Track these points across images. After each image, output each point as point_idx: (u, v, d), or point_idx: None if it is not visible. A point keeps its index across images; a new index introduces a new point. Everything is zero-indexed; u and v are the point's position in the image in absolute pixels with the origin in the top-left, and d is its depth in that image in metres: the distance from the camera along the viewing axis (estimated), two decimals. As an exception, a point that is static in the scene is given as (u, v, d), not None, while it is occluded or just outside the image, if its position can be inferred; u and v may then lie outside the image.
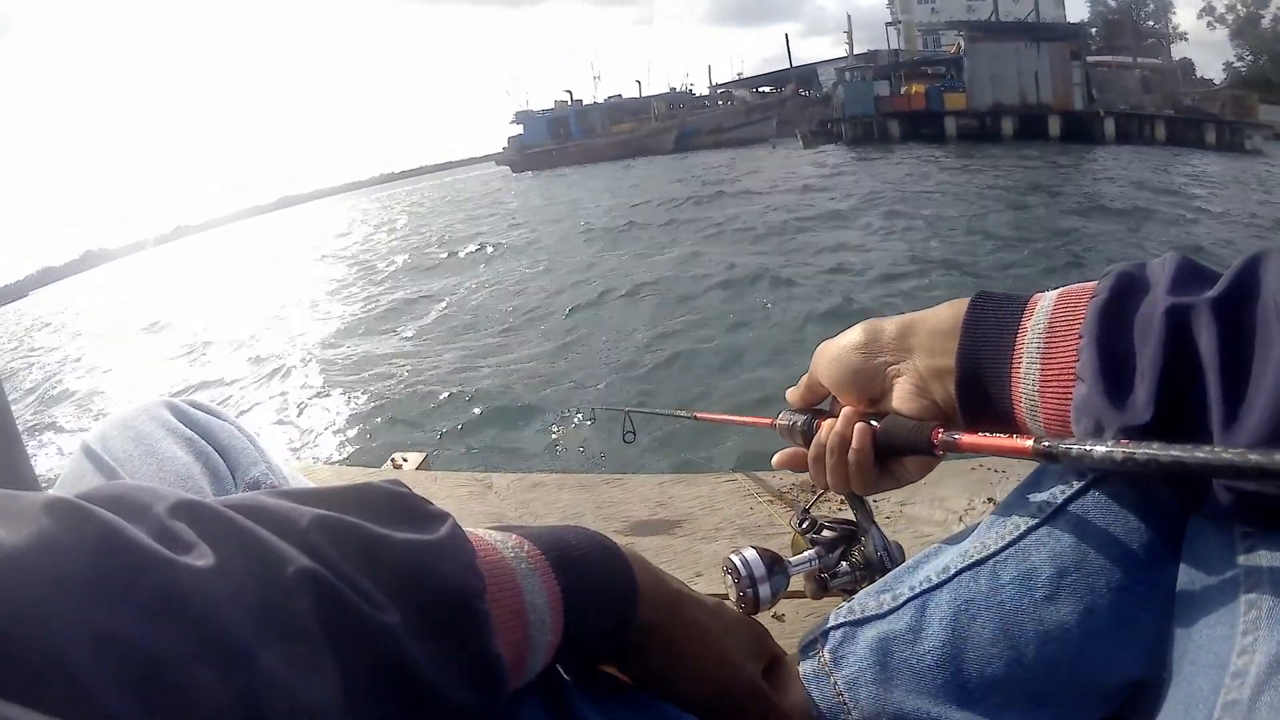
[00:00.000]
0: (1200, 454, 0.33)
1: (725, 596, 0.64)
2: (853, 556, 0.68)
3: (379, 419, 5.16)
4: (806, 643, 0.58)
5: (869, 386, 0.56)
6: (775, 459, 0.65)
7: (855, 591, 0.62)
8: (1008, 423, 0.48)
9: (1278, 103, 24.39)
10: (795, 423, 0.63)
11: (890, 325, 0.55)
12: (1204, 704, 0.36)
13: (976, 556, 0.52)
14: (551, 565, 0.43)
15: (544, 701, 0.45)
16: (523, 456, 4.19)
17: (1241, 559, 0.39)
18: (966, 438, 0.49)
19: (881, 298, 6.58)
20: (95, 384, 8.24)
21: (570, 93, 46.77)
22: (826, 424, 0.59)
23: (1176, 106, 23.85)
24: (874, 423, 0.56)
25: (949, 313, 0.51)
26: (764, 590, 0.64)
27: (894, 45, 34.14)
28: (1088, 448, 0.38)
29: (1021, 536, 0.50)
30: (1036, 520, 0.50)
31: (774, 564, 0.65)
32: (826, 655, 0.56)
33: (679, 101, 46.44)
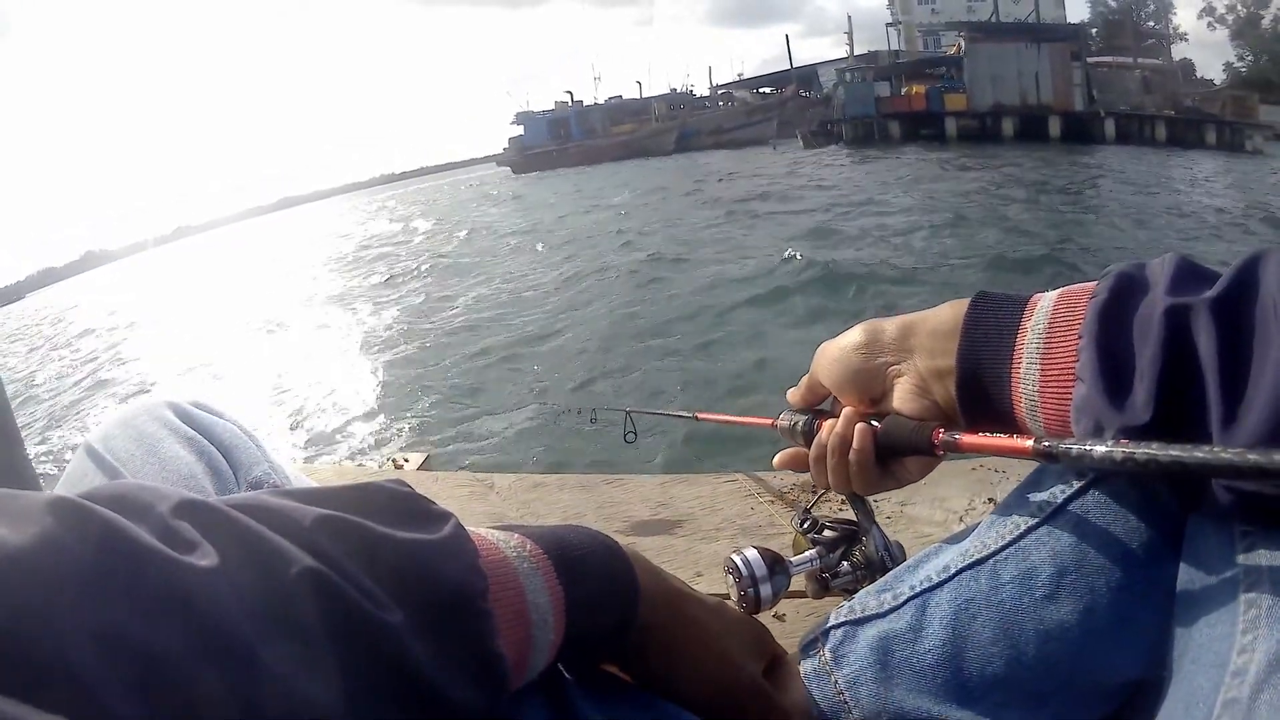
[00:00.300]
0: (1199, 454, 0.34)
1: (726, 596, 0.64)
2: (854, 556, 0.68)
3: (380, 419, 5.17)
4: (807, 642, 0.58)
5: (870, 387, 0.56)
6: (776, 459, 0.65)
7: (856, 591, 0.62)
8: (1008, 423, 0.48)
9: (1278, 103, 24.37)
10: (796, 423, 0.63)
11: (890, 326, 0.55)
12: (1204, 702, 0.36)
13: (977, 556, 0.52)
14: (554, 565, 0.43)
15: (546, 701, 0.45)
16: (524, 457, 4.19)
17: (1241, 558, 0.39)
18: (967, 438, 0.49)
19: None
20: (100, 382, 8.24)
21: (571, 93, 46.84)
22: (827, 424, 0.59)
23: (1177, 107, 23.82)
24: (875, 423, 0.56)
25: (949, 313, 0.52)
26: (765, 590, 0.64)
27: (894, 46, 34.18)
28: (1088, 448, 0.39)
29: (1022, 536, 0.50)
30: (1037, 520, 0.50)
31: (775, 564, 0.65)
32: (827, 654, 0.56)
33: (680, 102, 46.44)
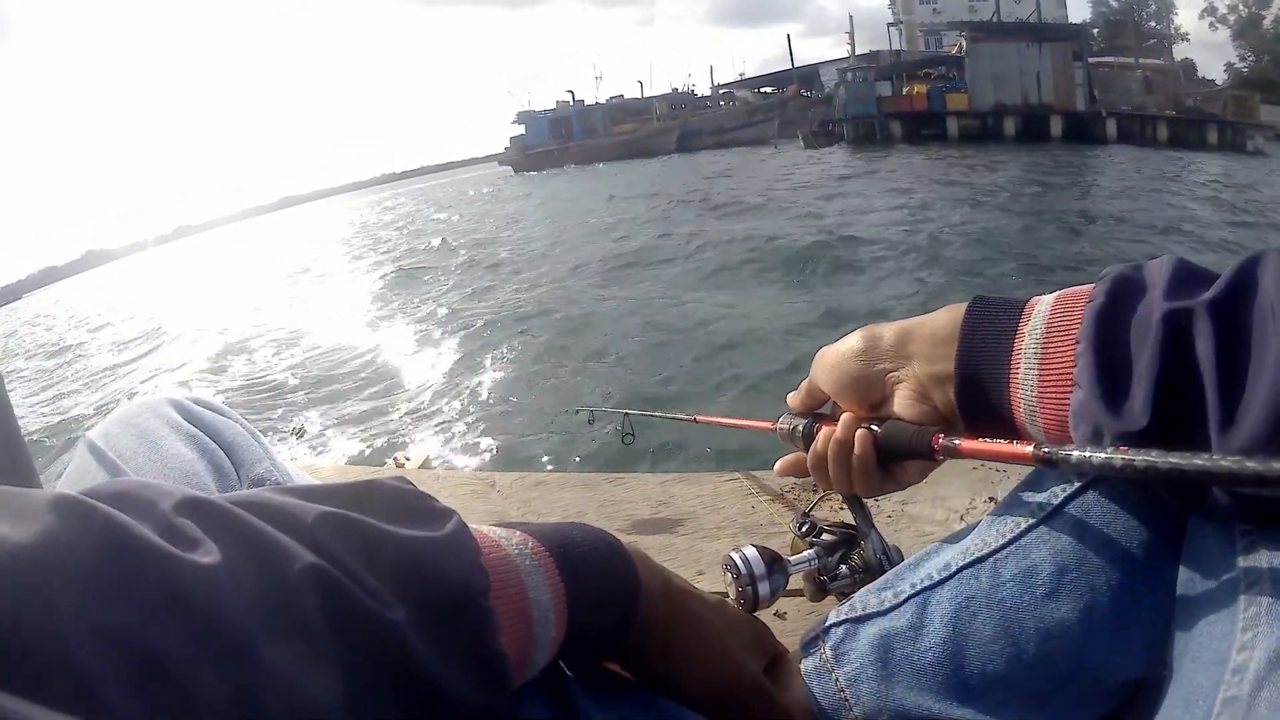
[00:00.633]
0: (1199, 461, 0.33)
1: (726, 594, 0.64)
2: (852, 560, 0.69)
3: (381, 418, 5.17)
4: (808, 639, 0.58)
5: (869, 393, 0.56)
6: (777, 466, 0.65)
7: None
8: (1008, 427, 0.48)
9: (1279, 103, 24.34)
10: (796, 427, 0.63)
11: (889, 331, 0.55)
12: (1204, 700, 0.36)
13: (977, 554, 0.52)
14: (555, 562, 0.43)
15: (547, 698, 0.45)
16: (524, 457, 4.19)
17: (1241, 557, 0.39)
18: (967, 443, 0.49)
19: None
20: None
21: (572, 93, 46.81)
22: (827, 429, 0.59)
23: (1178, 107, 23.78)
24: (874, 428, 0.56)
25: (946, 318, 0.51)
26: (763, 588, 0.64)
27: (896, 46, 34.14)
28: (1087, 454, 0.38)
29: (1022, 534, 0.50)
30: (1037, 518, 0.50)
31: (774, 562, 0.65)
32: (828, 652, 0.56)
33: (681, 102, 46.40)
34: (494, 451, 4.35)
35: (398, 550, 0.36)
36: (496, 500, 1.26)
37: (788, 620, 0.85)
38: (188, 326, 10.53)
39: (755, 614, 0.63)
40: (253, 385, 6.67)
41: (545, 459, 4.08)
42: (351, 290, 11.13)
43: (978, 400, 0.49)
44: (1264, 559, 0.38)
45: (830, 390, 0.59)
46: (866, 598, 0.57)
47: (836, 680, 0.55)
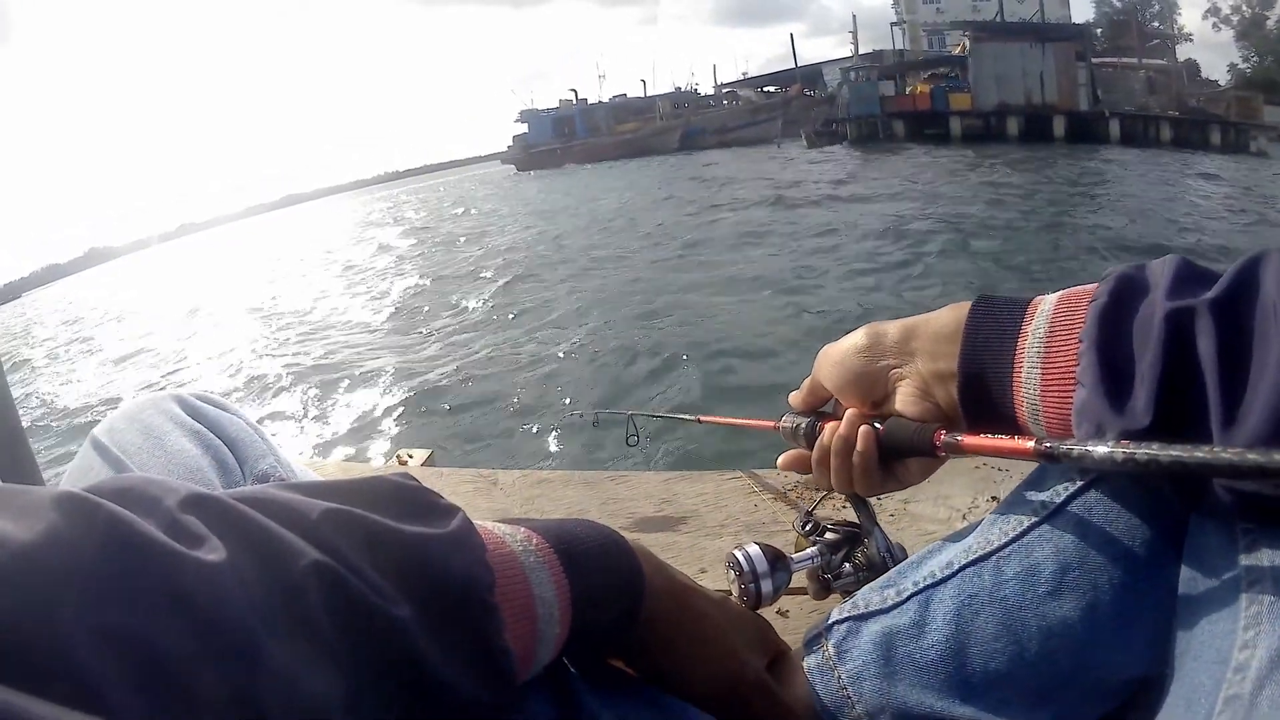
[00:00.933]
0: (1200, 454, 0.34)
1: (728, 592, 0.64)
2: (856, 558, 0.69)
3: (384, 417, 5.17)
4: (811, 637, 0.58)
5: (872, 390, 0.56)
6: (780, 461, 0.65)
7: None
8: (1011, 425, 0.48)
9: (1282, 103, 24.29)
10: (798, 425, 0.63)
11: (892, 329, 0.55)
12: (1205, 699, 0.36)
13: (980, 552, 0.52)
14: (560, 559, 0.43)
15: (551, 695, 0.45)
16: (525, 457, 4.19)
17: (1242, 556, 0.39)
18: (969, 440, 0.49)
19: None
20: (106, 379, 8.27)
21: (575, 92, 46.74)
22: (830, 426, 0.59)
23: (1182, 108, 23.74)
24: (877, 425, 0.56)
25: (950, 316, 0.52)
26: (766, 586, 0.64)
27: (899, 45, 34.14)
28: (1088, 449, 0.39)
29: (1025, 533, 0.50)
30: (1039, 517, 0.50)
31: (776, 560, 0.65)
32: (831, 649, 0.56)
33: (684, 101, 46.37)
34: (496, 449, 4.35)
35: (403, 546, 0.36)
36: (499, 498, 1.26)
37: (790, 618, 0.85)
38: (195, 323, 10.54)
39: (758, 611, 0.63)
40: (256, 381, 6.68)
41: (547, 459, 4.09)
42: (356, 291, 11.14)
43: (981, 398, 0.49)
44: (1266, 557, 0.38)
45: (833, 387, 0.59)
46: (869, 595, 0.57)
47: (839, 678, 0.55)
